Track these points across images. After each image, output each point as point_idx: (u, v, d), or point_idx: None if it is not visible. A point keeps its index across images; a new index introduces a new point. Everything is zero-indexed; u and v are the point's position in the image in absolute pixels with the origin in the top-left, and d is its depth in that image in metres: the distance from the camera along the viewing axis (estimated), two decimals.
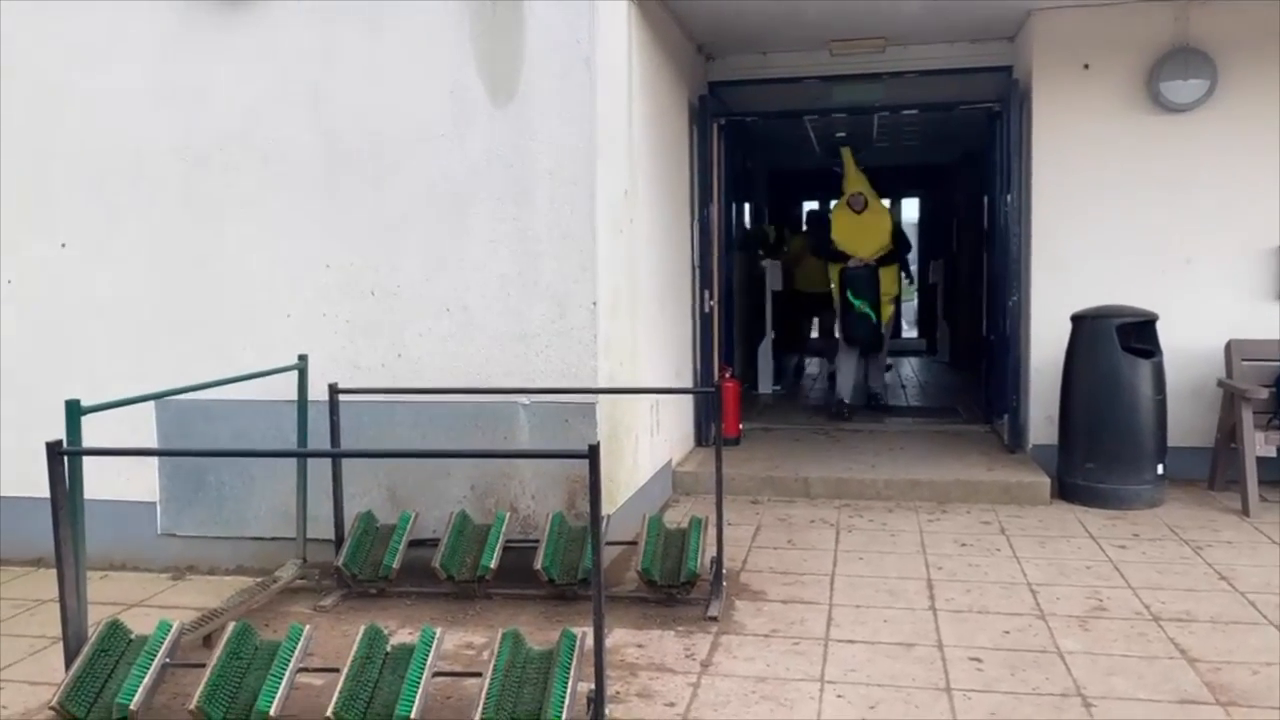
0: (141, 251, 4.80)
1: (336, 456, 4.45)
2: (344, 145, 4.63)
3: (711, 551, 4.26)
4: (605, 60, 4.61)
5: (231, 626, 3.20)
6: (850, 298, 7.85)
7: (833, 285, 8.18)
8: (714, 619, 4.00)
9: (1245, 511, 5.45)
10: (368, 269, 4.64)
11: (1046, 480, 5.89)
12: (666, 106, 6.08)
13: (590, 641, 2.99)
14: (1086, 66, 6.26)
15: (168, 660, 3.16)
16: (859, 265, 7.83)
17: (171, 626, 3.25)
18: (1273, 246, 6.09)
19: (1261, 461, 5.53)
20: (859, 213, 7.99)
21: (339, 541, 4.38)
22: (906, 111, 8.63)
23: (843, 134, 10.57)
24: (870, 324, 7.86)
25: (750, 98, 7.74)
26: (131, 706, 2.96)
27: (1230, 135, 6.11)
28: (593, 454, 2.84)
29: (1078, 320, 5.92)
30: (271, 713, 2.91)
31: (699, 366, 6.95)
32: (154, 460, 4.81)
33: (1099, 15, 6.22)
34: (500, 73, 4.48)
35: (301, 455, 4.53)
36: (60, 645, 3.16)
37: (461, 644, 3.82)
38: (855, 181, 8.09)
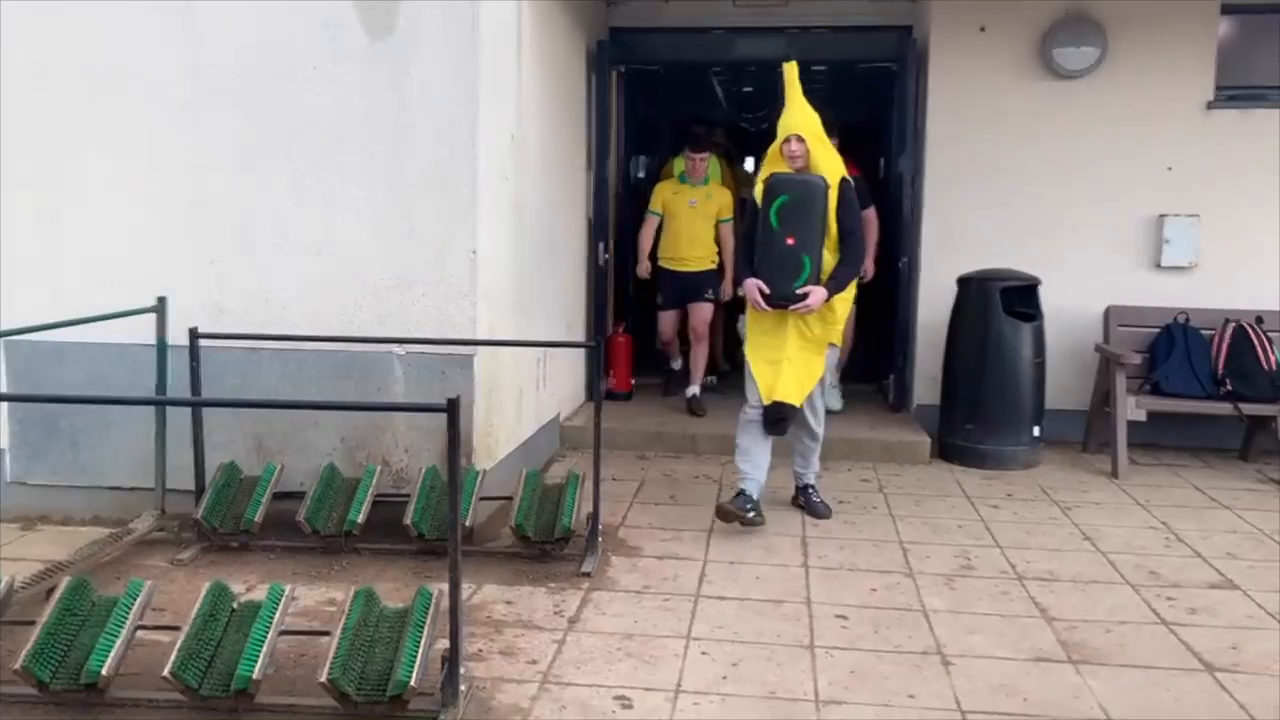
0: None
1: (195, 405, 4.25)
2: (211, 75, 4.37)
3: (588, 507, 4.19)
4: None
5: (65, 581, 3.03)
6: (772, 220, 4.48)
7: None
8: (587, 575, 3.95)
9: (1115, 474, 5.60)
10: (235, 208, 4.40)
11: (927, 440, 5.97)
12: (562, 49, 5.90)
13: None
14: (983, 29, 6.27)
15: None
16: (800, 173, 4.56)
17: (1, 580, 3.06)
18: (1154, 216, 6.22)
19: (1132, 425, 5.68)
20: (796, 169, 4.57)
21: (199, 492, 4.21)
22: (815, 68, 8.53)
23: (749, 89, 10.48)
24: (795, 268, 4.42)
25: (653, 46, 7.56)
26: None
27: (1118, 104, 6.19)
28: (451, 408, 2.74)
29: (964, 283, 5.98)
30: (104, 672, 2.77)
31: (592, 321, 6.85)
32: (2, 405, 4.54)
33: None
34: (377, 7, 4.26)
35: (159, 404, 4.32)
36: None
37: (324, 600, 3.70)
38: (797, 117, 4.59)
